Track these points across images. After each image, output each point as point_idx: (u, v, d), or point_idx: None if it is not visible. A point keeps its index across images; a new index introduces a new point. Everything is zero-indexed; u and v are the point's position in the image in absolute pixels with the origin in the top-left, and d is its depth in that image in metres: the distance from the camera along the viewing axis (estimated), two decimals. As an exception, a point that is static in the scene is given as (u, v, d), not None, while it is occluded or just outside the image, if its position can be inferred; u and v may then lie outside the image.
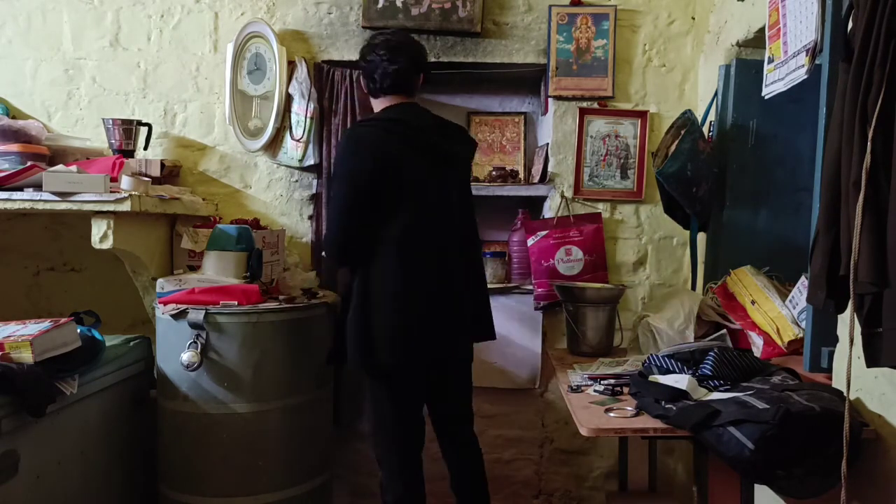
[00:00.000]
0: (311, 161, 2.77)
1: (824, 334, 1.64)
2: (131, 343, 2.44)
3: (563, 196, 2.79)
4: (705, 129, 2.51)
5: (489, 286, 2.79)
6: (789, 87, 1.74)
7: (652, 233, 2.82)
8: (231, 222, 2.65)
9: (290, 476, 2.32)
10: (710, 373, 1.71)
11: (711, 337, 2.15)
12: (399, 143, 2.02)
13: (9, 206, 2.16)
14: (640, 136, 2.78)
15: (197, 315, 2.18)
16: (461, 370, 2.24)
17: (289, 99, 2.75)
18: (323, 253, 2.12)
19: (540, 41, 2.78)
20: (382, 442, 2.13)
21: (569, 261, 2.76)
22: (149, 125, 2.71)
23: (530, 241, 2.78)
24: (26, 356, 1.77)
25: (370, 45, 2.14)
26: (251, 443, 2.24)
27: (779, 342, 1.96)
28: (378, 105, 2.15)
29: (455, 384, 2.23)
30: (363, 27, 2.76)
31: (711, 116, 2.52)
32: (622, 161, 2.79)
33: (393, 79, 2.09)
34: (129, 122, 2.65)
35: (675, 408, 1.54)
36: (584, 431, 1.54)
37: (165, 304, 2.25)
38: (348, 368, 2.11)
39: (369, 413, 2.13)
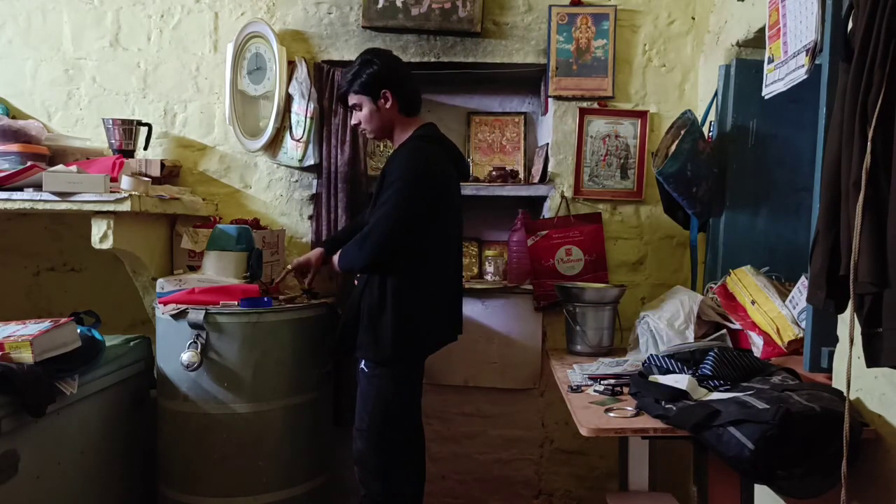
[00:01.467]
0: (311, 161, 2.77)
1: (824, 334, 1.63)
2: (131, 343, 2.44)
3: (563, 196, 2.79)
4: (705, 129, 2.50)
5: (489, 286, 2.82)
6: (789, 87, 1.74)
7: (652, 233, 2.82)
8: (231, 222, 2.65)
9: (290, 476, 2.32)
10: (710, 373, 1.71)
11: (711, 337, 2.15)
12: (450, 163, 2.24)
13: (9, 206, 2.16)
14: (640, 136, 2.78)
15: (197, 315, 2.18)
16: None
17: (289, 99, 2.75)
18: (359, 258, 2.14)
19: (540, 41, 2.78)
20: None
21: (569, 261, 2.76)
22: (149, 125, 2.71)
23: (530, 241, 2.78)
24: (26, 356, 1.77)
25: (399, 62, 2.24)
26: (251, 443, 2.24)
27: (779, 342, 1.96)
28: (409, 124, 2.23)
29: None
30: (363, 27, 2.76)
31: (711, 116, 2.52)
32: (622, 161, 2.79)
33: (418, 98, 2.28)
34: (129, 122, 2.65)
35: (675, 408, 1.54)
36: (584, 431, 1.54)
37: (165, 304, 2.25)
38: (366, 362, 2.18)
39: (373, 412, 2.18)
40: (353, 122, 2.27)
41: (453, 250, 2.28)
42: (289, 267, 2.44)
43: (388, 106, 2.17)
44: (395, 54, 2.28)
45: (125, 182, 2.26)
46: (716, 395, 1.61)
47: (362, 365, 2.16)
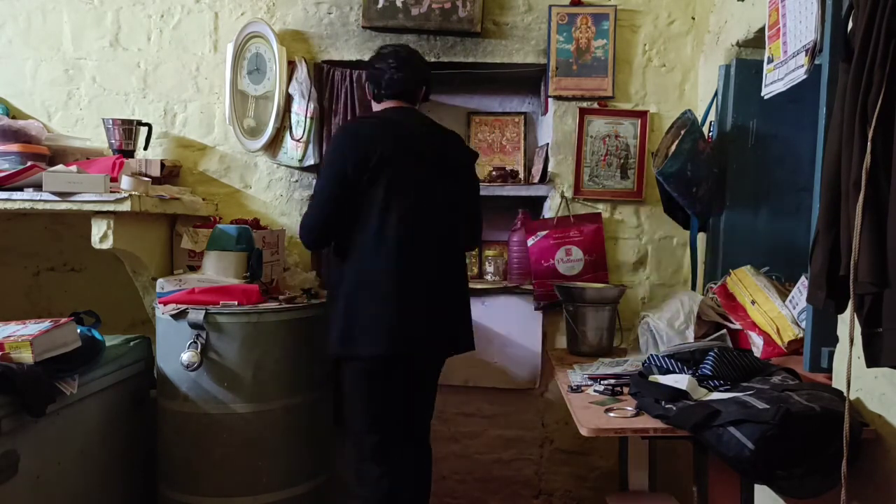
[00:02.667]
0: (311, 161, 2.77)
1: (824, 334, 1.64)
2: (131, 343, 2.44)
3: (563, 196, 2.79)
4: (705, 129, 2.50)
5: (489, 286, 2.82)
6: (789, 87, 1.74)
7: (652, 233, 2.82)
8: (231, 222, 2.65)
9: (290, 476, 2.31)
10: (710, 373, 1.71)
11: (711, 337, 2.15)
12: (391, 141, 2.08)
13: (9, 206, 2.16)
14: (640, 136, 2.78)
15: (197, 315, 2.18)
16: (429, 373, 2.28)
17: (289, 99, 2.75)
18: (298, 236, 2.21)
19: (540, 41, 2.78)
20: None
21: (569, 261, 2.76)
22: (149, 125, 2.71)
23: (530, 241, 2.78)
24: (26, 356, 1.77)
25: (380, 55, 2.24)
26: (251, 443, 2.24)
27: (779, 342, 1.96)
28: (378, 108, 2.24)
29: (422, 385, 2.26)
30: (363, 27, 2.76)
31: (711, 116, 2.52)
32: (622, 161, 2.79)
33: (398, 86, 2.18)
34: (129, 122, 2.65)
35: (675, 408, 1.54)
36: (584, 431, 1.54)
37: (165, 304, 2.25)
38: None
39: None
40: None
41: (418, 240, 2.07)
42: None
43: (368, 96, 2.29)
44: (392, 44, 2.36)
45: (125, 182, 2.26)
46: (716, 395, 1.61)
47: None
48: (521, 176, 2.99)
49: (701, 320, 2.20)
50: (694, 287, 2.60)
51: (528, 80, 2.99)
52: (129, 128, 2.64)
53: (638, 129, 2.78)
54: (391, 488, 2.11)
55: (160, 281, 2.33)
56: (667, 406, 1.56)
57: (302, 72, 2.73)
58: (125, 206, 2.16)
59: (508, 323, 2.81)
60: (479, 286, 2.80)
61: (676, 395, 1.59)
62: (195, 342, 2.18)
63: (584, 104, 2.78)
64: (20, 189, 2.18)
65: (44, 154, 2.52)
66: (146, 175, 2.54)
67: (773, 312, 2.01)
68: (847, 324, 1.33)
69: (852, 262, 1.24)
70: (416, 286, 2.06)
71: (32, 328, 1.88)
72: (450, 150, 2.23)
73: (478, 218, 2.32)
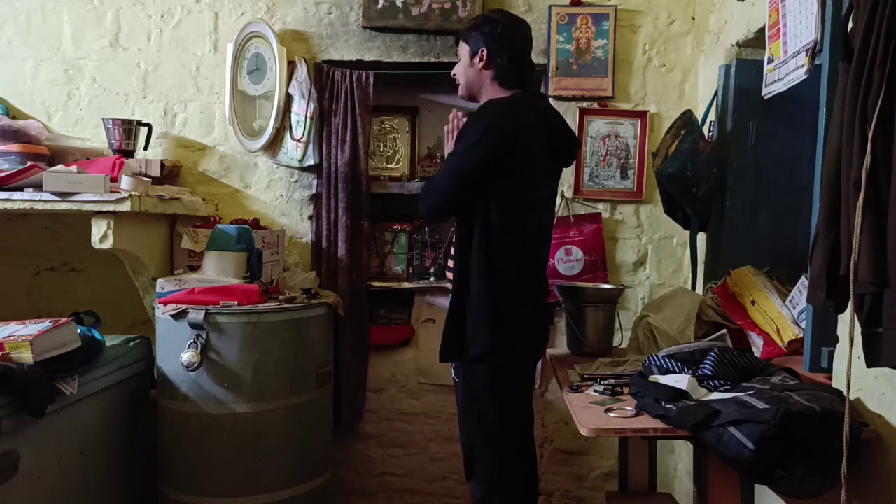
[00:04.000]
0: (311, 161, 2.77)
1: (824, 334, 1.63)
2: (131, 343, 2.44)
3: (563, 196, 2.79)
4: (705, 129, 2.50)
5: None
6: (789, 87, 1.74)
7: (652, 233, 2.82)
8: (231, 222, 2.65)
9: (290, 476, 2.32)
10: (710, 373, 1.71)
11: (711, 337, 2.15)
12: (540, 131, 1.99)
13: (9, 206, 2.16)
14: (640, 136, 2.78)
15: (197, 315, 2.18)
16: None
17: (289, 99, 2.75)
18: (421, 206, 2.03)
19: (540, 41, 2.78)
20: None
21: (569, 261, 2.76)
22: (149, 125, 2.71)
23: (530, 241, 2.78)
24: (26, 356, 1.77)
25: (517, 27, 2.06)
26: (251, 443, 2.24)
27: (779, 342, 1.96)
28: (499, 94, 2.06)
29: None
30: (363, 27, 2.77)
31: (711, 116, 2.51)
32: (622, 161, 2.79)
33: (525, 74, 2.08)
34: (129, 122, 2.65)
35: (675, 408, 1.54)
36: (584, 431, 1.54)
37: (165, 304, 2.25)
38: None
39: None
40: (452, 72, 2.16)
41: (540, 231, 2.05)
42: None
43: (480, 66, 2.05)
44: (523, 20, 2.12)
45: (125, 182, 2.26)
46: (716, 395, 1.61)
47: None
48: (521, 176, 2.99)
49: (701, 320, 2.20)
50: (694, 287, 2.59)
51: (528, 80, 2.99)
52: (129, 128, 2.64)
53: (638, 129, 2.78)
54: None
55: (160, 281, 2.33)
56: (667, 406, 1.56)
57: (302, 72, 2.73)
58: (125, 206, 2.16)
59: (508, 323, 2.80)
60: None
61: (676, 395, 1.59)
62: (195, 342, 2.18)
63: (584, 104, 2.78)
64: (20, 189, 2.18)
65: (44, 154, 2.52)
66: (146, 175, 2.54)
67: (773, 312, 2.01)
68: (847, 324, 1.33)
69: (852, 263, 1.24)
70: (541, 285, 2.09)
71: (32, 328, 1.88)
72: (569, 146, 2.16)
73: None
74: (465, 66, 2.09)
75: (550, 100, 2.78)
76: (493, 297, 1.91)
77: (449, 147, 2.10)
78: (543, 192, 2.08)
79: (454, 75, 2.15)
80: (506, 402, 1.98)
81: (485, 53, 2.03)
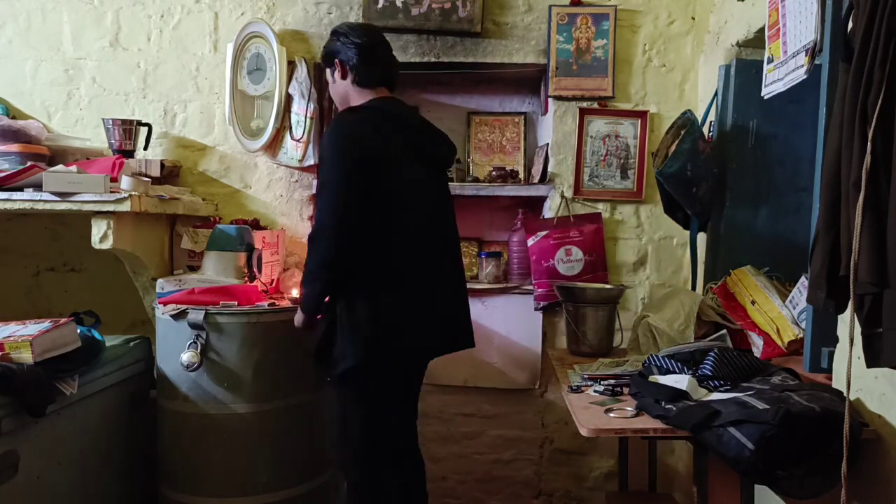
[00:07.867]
0: (311, 161, 2.77)
1: (824, 334, 1.64)
2: (131, 343, 2.44)
3: (563, 196, 2.79)
4: (705, 129, 2.50)
5: (488, 286, 2.82)
6: (789, 87, 1.74)
7: (652, 233, 2.82)
8: (231, 222, 2.65)
9: (290, 476, 2.31)
10: (710, 373, 1.71)
11: (711, 337, 2.15)
12: (393, 136, 1.99)
13: (9, 206, 2.16)
14: (640, 137, 2.78)
15: (197, 315, 2.18)
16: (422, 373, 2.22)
17: (289, 99, 2.75)
18: (308, 265, 1.98)
19: (540, 41, 2.78)
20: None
21: (569, 261, 2.76)
22: (149, 125, 2.71)
23: (530, 242, 2.78)
24: (26, 356, 1.77)
25: (357, 29, 2.09)
26: (251, 443, 2.24)
27: (779, 342, 1.96)
28: (364, 95, 2.06)
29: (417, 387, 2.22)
30: (363, 27, 2.77)
31: (711, 116, 2.52)
32: (622, 161, 2.79)
33: (385, 71, 2.09)
34: (129, 122, 2.65)
35: (675, 408, 1.54)
36: (584, 432, 1.54)
37: (165, 304, 2.25)
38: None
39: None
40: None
41: (428, 239, 2.03)
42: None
43: (340, 76, 2.09)
44: (364, 23, 2.16)
45: (125, 182, 2.26)
46: (716, 396, 1.61)
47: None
48: (521, 176, 2.99)
49: (701, 320, 2.20)
50: (694, 287, 2.60)
51: (528, 80, 2.99)
52: (129, 128, 2.64)
53: (638, 129, 2.78)
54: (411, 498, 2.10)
55: (160, 281, 2.33)
56: (667, 406, 1.56)
57: (302, 72, 2.73)
58: (125, 207, 2.16)
59: (508, 323, 2.81)
60: (478, 286, 2.80)
61: (676, 395, 1.59)
62: (195, 342, 2.18)
63: (584, 104, 2.78)
64: (20, 189, 2.18)
65: (44, 154, 2.52)
66: (146, 175, 2.54)
67: (773, 312, 2.01)
68: (847, 324, 1.33)
69: (852, 263, 1.24)
70: (430, 292, 2.03)
71: (32, 328, 1.88)
72: (441, 147, 2.16)
73: None
74: (332, 85, 2.15)
75: (550, 100, 2.79)
76: (360, 311, 1.91)
77: None
78: (417, 196, 2.02)
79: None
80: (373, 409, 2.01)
81: (337, 62, 2.08)
